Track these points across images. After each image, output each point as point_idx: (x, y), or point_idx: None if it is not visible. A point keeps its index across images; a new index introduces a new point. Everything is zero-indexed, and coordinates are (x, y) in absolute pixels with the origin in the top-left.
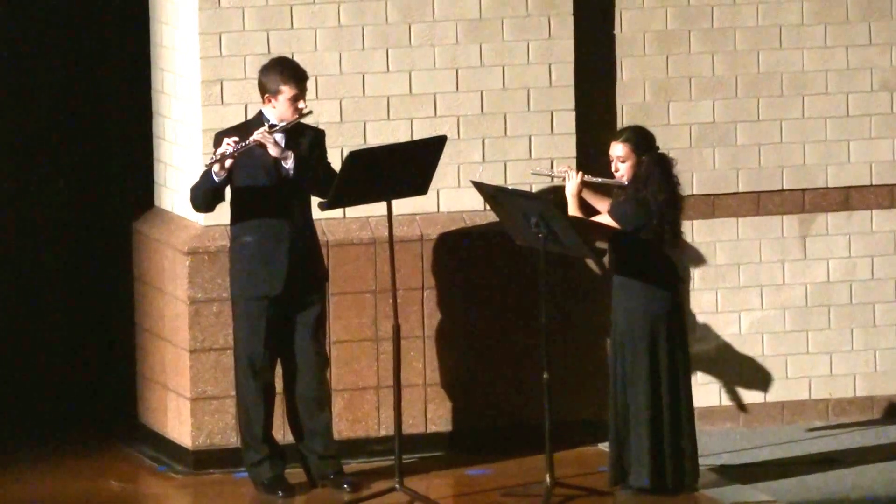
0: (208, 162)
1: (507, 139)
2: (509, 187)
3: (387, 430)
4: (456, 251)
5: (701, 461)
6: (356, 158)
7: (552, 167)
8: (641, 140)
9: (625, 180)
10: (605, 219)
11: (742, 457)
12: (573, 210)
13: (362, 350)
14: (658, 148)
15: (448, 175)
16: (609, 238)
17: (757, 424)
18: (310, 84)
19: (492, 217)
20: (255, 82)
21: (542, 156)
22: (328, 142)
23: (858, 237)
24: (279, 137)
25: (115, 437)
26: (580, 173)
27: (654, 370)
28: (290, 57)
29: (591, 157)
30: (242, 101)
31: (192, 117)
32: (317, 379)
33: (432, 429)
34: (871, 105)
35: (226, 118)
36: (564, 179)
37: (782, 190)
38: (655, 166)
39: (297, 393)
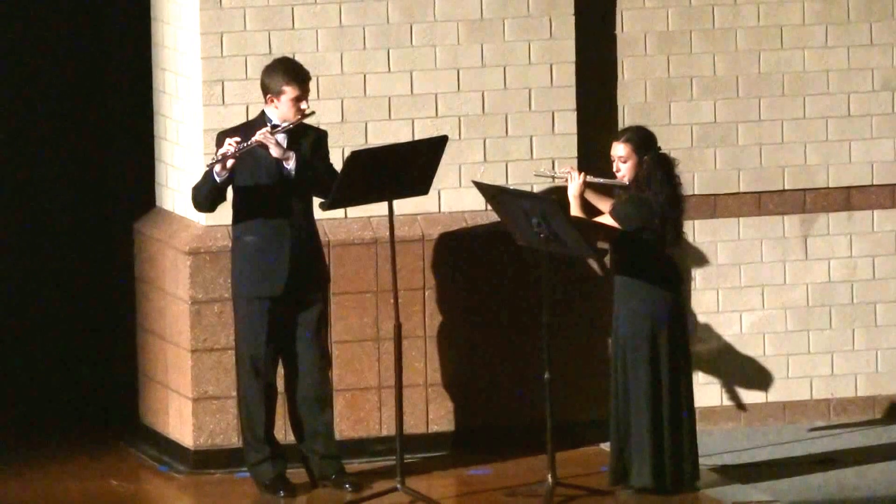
0: (210, 162)
1: (508, 139)
2: (511, 187)
3: (388, 430)
4: (457, 251)
5: (702, 461)
6: (357, 158)
7: (553, 167)
8: (643, 140)
9: (626, 181)
10: (606, 219)
11: (743, 456)
12: (575, 211)
13: (364, 350)
14: (660, 148)
15: (449, 175)
16: (611, 238)
17: (758, 424)
18: (311, 84)
19: (493, 217)
20: (257, 82)
21: (544, 156)
22: (330, 142)
23: (859, 237)
24: (281, 138)
25: (117, 437)
26: (582, 174)
27: (656, 370)
28: (291, 57)
29: (592, 158)
30: (244, 101)
31: (193, 117)
32: (318, 379)
33: (434, 429)
34: (872, 105)
35: (227, 118)
36: (567, 180)
37: (783, 190)
38: (657, 166)
39: (299, 393)
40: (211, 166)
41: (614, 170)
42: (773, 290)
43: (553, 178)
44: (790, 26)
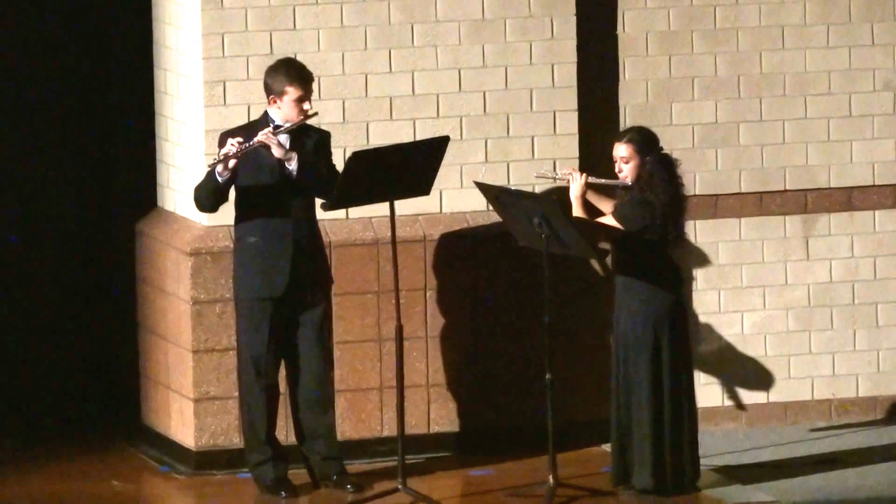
0: (211, 162)
1: (509, 140)
2: (512, 188)
3: (390, 430)
4: (459, 252)
5: (703, 461)
6: (359, 159)
7: (555, 168)
8: (645, 140)
9: (629, 181)
10: (609, 220)
11: (744, 457)
12: (577, 211)
13: (365, 351)
14: (662, 148)
15: (451, 176)
16: (613, 239)
17: (759, 424)
18: (313, 85)
19: (494, 218)
20: (258, 83)
21: (545, 156)
22: (331, 142)
23: (861, 237)
24: (283, 138)
25: (118, 438)
26: (584, 175)
27: (657, 371)
28: (293, 58)
29: (593, 158)
30: (245, 101)
31: (194, 118)
32: (320, 380)
33: (435, 429)
34: (873, 105)
35: (228, 119)
36: (568, 181)
37: (785, 190)
38: (659, 167)
39: (301, 394)
40: (213, 166)
41: (616, 170)
42: (775, 290)
43: (555, 179)
44: (791, 26)
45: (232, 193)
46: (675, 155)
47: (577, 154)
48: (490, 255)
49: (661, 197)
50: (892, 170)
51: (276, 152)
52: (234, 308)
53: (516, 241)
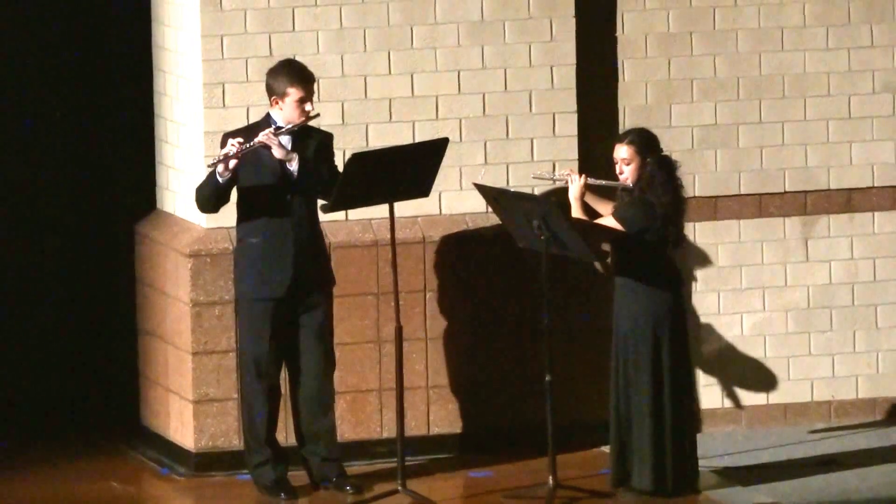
0: (210, 162)
1: (508, 141)
2: (511, 189)
3: (389, 432)
4: (458, 253)
5: (703, 463)
6: (358, 161)
7: (554, 169)
8: (646, 142)
9: (629, 182)
10: (609, 221)
11: (744, 458)
12: (577, 213)
13: (364, 352)
14: (662, 150)
15: (450, 177)
16: (613, 240)
17: (759, 426)
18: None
19: (494, 219)
20: (258, 85)
21: (544, 158)
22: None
23: (860, 239)
24: (285, 139)
25: (117, 440)
26: (583, 176)
27: (657, 372)
28: (294, 59)
29: (593, 160)
30: (244, 103)
31: (193, 120)
32: (321, 382)
33: (435, 431)
34: (872, 107)
35: (227, 121)
36: (567, 182)
37: (784, 192)
38: (660, 168)
39: (301, 396)
40: (213, 166)
41: (617, 172)
42: (774, 291)
43: (553, 180)
44: (791, 28)
45: (234, 194)
46: (674, 156)
47: (576, 156)
48: (489, 257)
49: (662, 198)
50: (891, 171)
51: (277, 153)
52: (237, 309)
53: (516, 243)
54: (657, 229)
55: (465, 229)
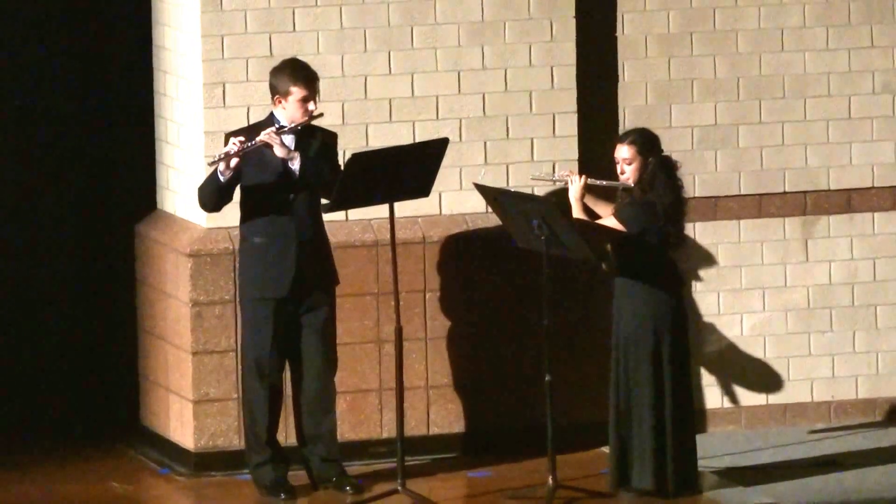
0: (211, 161)
1: (508, 142)
2: (511, 189)
3: (389, 432)
4: (458, 253)
5: (703, 463)
6: (358, 161)
7: (554, 170)
8: (647, 142)
9: (630, 182)
10: (609, 221)
11: (744, 459)
12: (577, 213)
13: (365, 352)
14: (663, 150)
15: (450, 177)
16: (613, 240)
17: (759, 426)
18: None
19: (494, 219)
20: (258, 85)
21: (544, 158)
22: None
23: (860, 239)
24: (288, 138)
25: (117, 439)
26: (583, 176)
27: (657, 372)
28: (298, 58)
29: (593, 160)
30: (244, 103)
31: (194, 120)
32: (322, 382)
33: (434, 431)
34: (872, 107)
35: (228, 121)
36: (567, 183)
37: (784, 192)
38: (661, 169)
39: (303, 396)
40: (213, 164)
41: (618, 172)
42: (774, 292)
43: (553, 181)
44: (791, 28)
45: (237, 194)
46: (674, 157)
47: (576, 156)
48: (489, 257)
49: (664, 199)
50: (891, 172)
51: (279, 152)
52: (239, 309)
53: (515, 243)
54: (658, 230)
55: (465, 229)
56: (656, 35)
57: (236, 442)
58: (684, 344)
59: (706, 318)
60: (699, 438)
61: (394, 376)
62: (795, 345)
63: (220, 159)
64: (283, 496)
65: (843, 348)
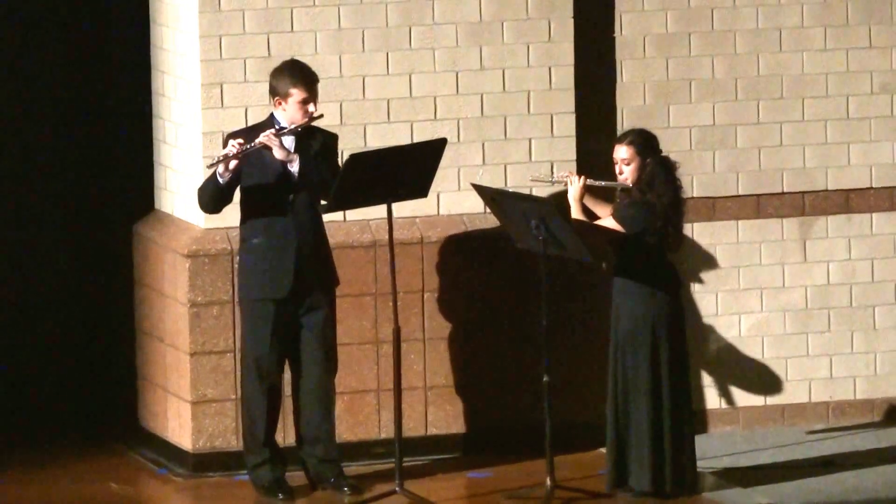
0: (210, 163)
1: (507, 142)
2: (509, 190)
3: (387, 432)
4: (456, 254)
5: (701, 464)
6: (356, 161)
7: (552, 170)
8: (646, 142)
9: (629, 183)
10: (608, 222)
11: (742, 460)
12: (576, 214)
13: (363, 353)
14: (661, 151)
15: (448, 178)
16: (612, 241)
17: (757, 427)
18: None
19: (492, 220)
20: (256, 85)
21: (542, 158)
22: None
23: (858, 240)
24: (288, 140)
25: (115, 440)
26: (582, 177)
27: (656, 373)
28: (298, 59)
29: (591, 160)
30: (243, 104)
31: (192, 120)
32: (321, 383)
33: (433, 431)
34: (871, 108)
35: (226, 121)
36: (566, 184)
37: (782, 193)
38: (660, 169)
39: (302, 397)
40: (212, 166)
41: (617, 172)
42: (772, 292)
43: (552, 182)
44: (789, 29)
45: (237, 195)
46: (672, 157)
47: (574, 156)
48: (487, 258)
49: (663, 199)
50: (889, 172)
51: (278, 154)
52: (239, 309)
53: (514, 244)
54: (657, 230)
55: (464, 230)
56: (654, 35)
57: (234, 442)
58: (682, 344)
59: (704, 319)
60: (698, 439)
61: (392, 377)
62: (794, 345)
63: (219, 161)
64: (281, 497)
65: (842, 349)
